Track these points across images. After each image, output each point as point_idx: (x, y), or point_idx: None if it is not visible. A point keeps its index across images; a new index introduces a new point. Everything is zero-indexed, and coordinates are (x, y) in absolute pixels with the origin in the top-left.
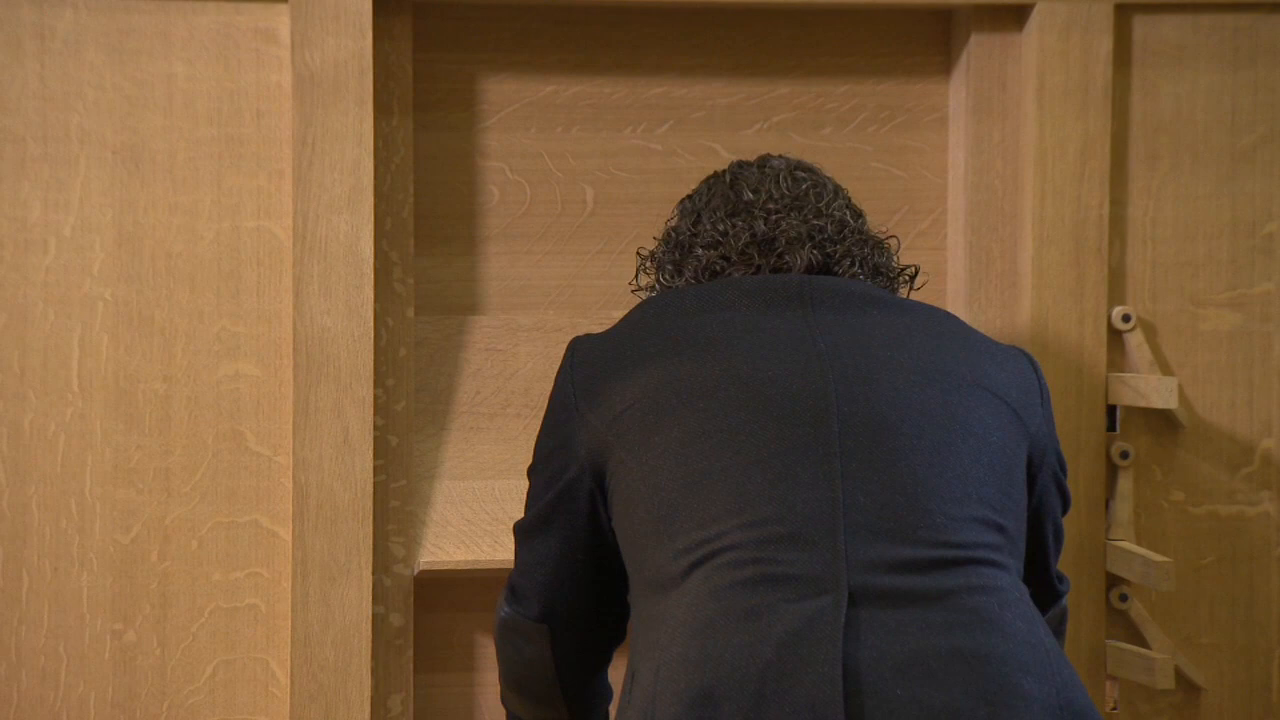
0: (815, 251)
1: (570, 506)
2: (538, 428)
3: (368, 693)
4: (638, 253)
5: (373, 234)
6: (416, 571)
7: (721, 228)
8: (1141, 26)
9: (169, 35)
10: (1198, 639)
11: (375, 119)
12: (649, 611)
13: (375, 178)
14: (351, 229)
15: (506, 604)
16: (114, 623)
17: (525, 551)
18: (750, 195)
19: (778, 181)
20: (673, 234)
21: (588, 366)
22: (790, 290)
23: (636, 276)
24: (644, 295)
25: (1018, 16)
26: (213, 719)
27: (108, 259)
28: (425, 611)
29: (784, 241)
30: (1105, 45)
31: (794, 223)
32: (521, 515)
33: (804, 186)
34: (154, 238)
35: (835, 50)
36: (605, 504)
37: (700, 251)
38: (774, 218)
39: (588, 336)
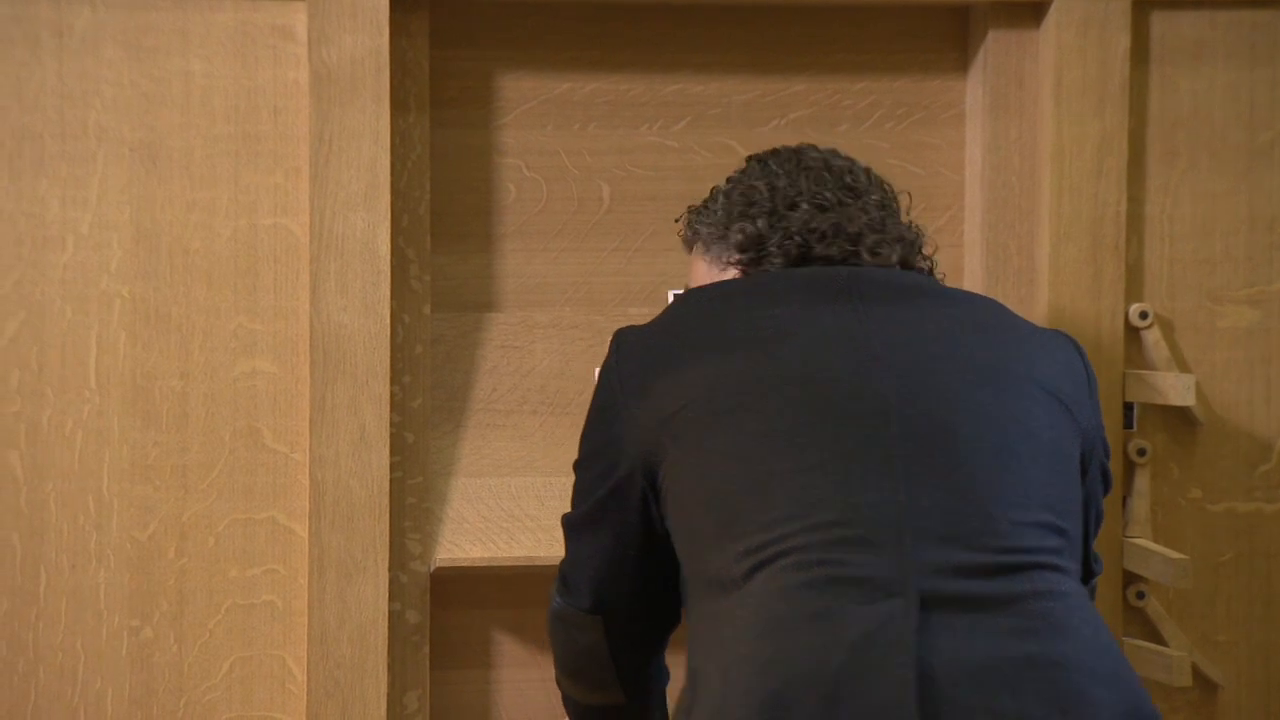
0: (870, 241)
1: (621, 503)
2: (554, 425)
3: (384, 689)
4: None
5: (389, 231)
6: (433, 568)
7: (806, 217)
8: (1159, 23)
9: (186, 32)
10: (1215, 636)
11: (392, 116)
12: (708, 609)
13: (392, 175)
14: (368, 226)
15: (558, 595)
16: (131, 619)
17: (575, 545)
18: (810, 184)
19: (829, 169)
20: (757, 221)
21: (634, 362)
22: (840, 283)
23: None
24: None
25: (1035, 13)
26: (229, 715)
27: (125, 256)
28: (441, 608)
29: (850, 232)
30: (1123, 42)
31: (855, 213)
32: (568, 508)
33: (849, 176)
34: (171, 235)
35: (852, 47)
36: (657, 502)
37: (792, 237)
38: (842, 208)
39: (633, 329)
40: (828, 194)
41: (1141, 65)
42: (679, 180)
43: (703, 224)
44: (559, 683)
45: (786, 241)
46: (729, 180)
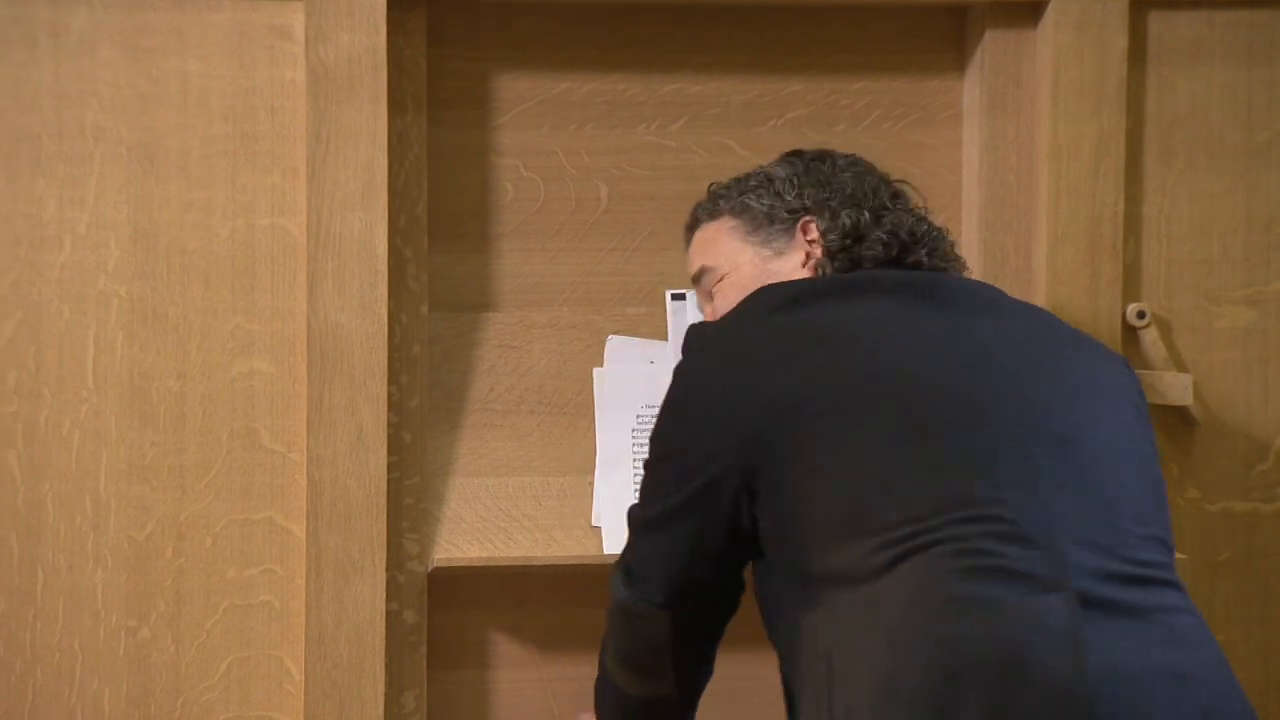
0: (933, 246)
1: (710, 503)
2: (552, 425)
3: (381, 689)
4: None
5: (386, 231)
6: (430, 568)
7: (900, 219)
8: (1157, 23)
9: (183, 32)
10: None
11: (389, 116)
12: (835, 599)
13: (389, 174)
14: (365, 226)
15: (624, 587)
16: (128, 619)
17: (649, 542)
18: (868, 186)
19: (872, 174)
20: (848, 214)
21: (731, 361)
22: (925, 288)
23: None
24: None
25: (1032, 13)
26: (227, 716)
27: (123, 256)
28: (439, 608)
29: (907, 237)
30: (1120, 42)
31: (907, 218)
32: (637, 504)
33: (891, 183)
34: (168, 235)
35: (850, 47)
36: (752, 501)
37: (895, 234)
38: (897, 214)
39: (712, 326)
40: (885, 199)
41: (1139, 65)
42: (677, 180)
43: (757, 199)
44: (609, 671)
45: (889, 239)
46: (778, 166)
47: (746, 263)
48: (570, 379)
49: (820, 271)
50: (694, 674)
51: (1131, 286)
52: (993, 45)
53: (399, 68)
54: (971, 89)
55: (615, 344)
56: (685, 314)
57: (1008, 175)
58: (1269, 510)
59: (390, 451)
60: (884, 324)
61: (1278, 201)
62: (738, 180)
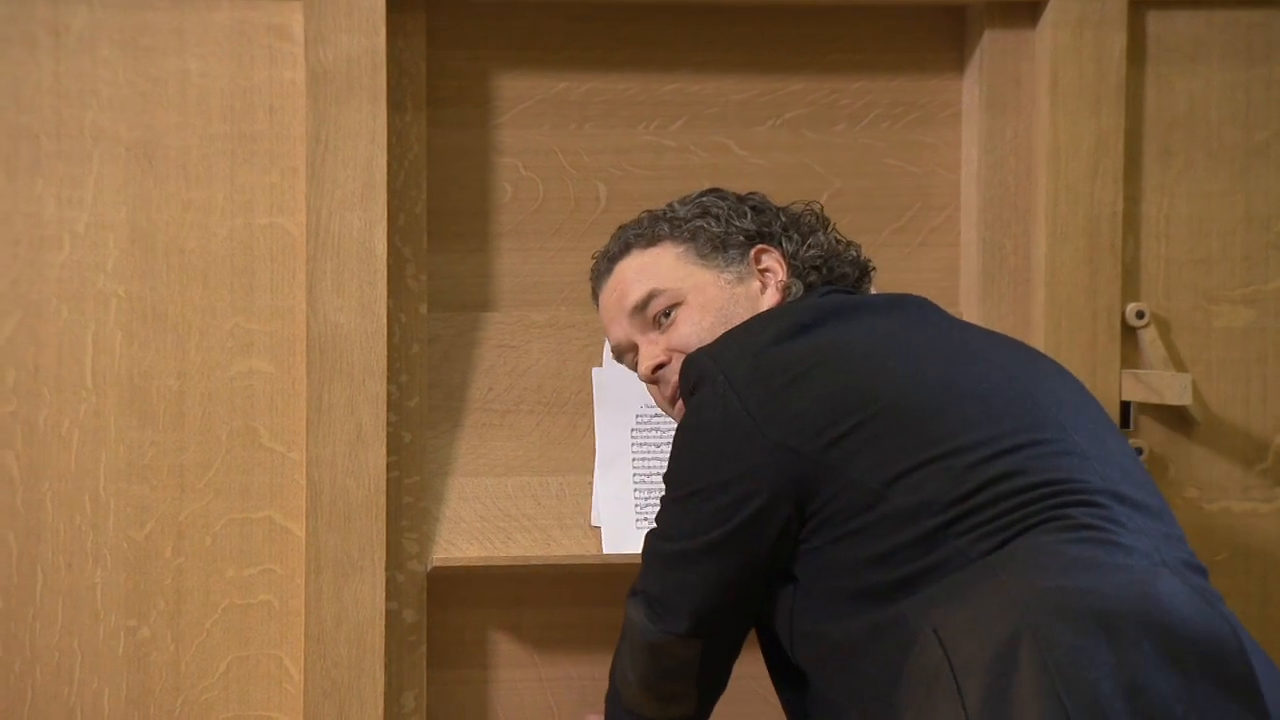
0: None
1: (754, 533)
2: (550, 424)
3: (381, 689)
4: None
5: (386, 230)
6: (430, 568)
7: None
8: (1155, 22)
9: (183, 32)
10: None
11: (388, 115)
12: (936, 590)
13: (388, 174)
14: (365, 225)
15: (649, 621)
16: (128, 619)
17: (677, 575)
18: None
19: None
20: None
21: (758, 387)
22: (908, 306)
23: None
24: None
25: (1031, 13)
26: (226, 715)
27: (121, 255)
28: (438, 608)
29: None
30: (1119, 41)
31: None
32: (659, 536)
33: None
34: (168, 234)
35: (849, 46)
36: (801, 525)
37: (856, 260)
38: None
39: (728, 351)
40: (814, 224)
41: (1137, 65)
42: (676, 180)
43: (707, 224)
44: (627, 698)
45: (850, 263)
46: (707, 198)
47: (710, 285)
48: (569, 378)
49: (790, 293)
50: (716, 691)
51: (1130, 286)
52: (992, 45)
53: (398, 68)
54: (970, 88)
55: None
56: None
57: (1006, 175)
58: (1268, 510)
59: (389, 451)
60: (894, 339)
61: (1276, 201)
62: (661, 214)
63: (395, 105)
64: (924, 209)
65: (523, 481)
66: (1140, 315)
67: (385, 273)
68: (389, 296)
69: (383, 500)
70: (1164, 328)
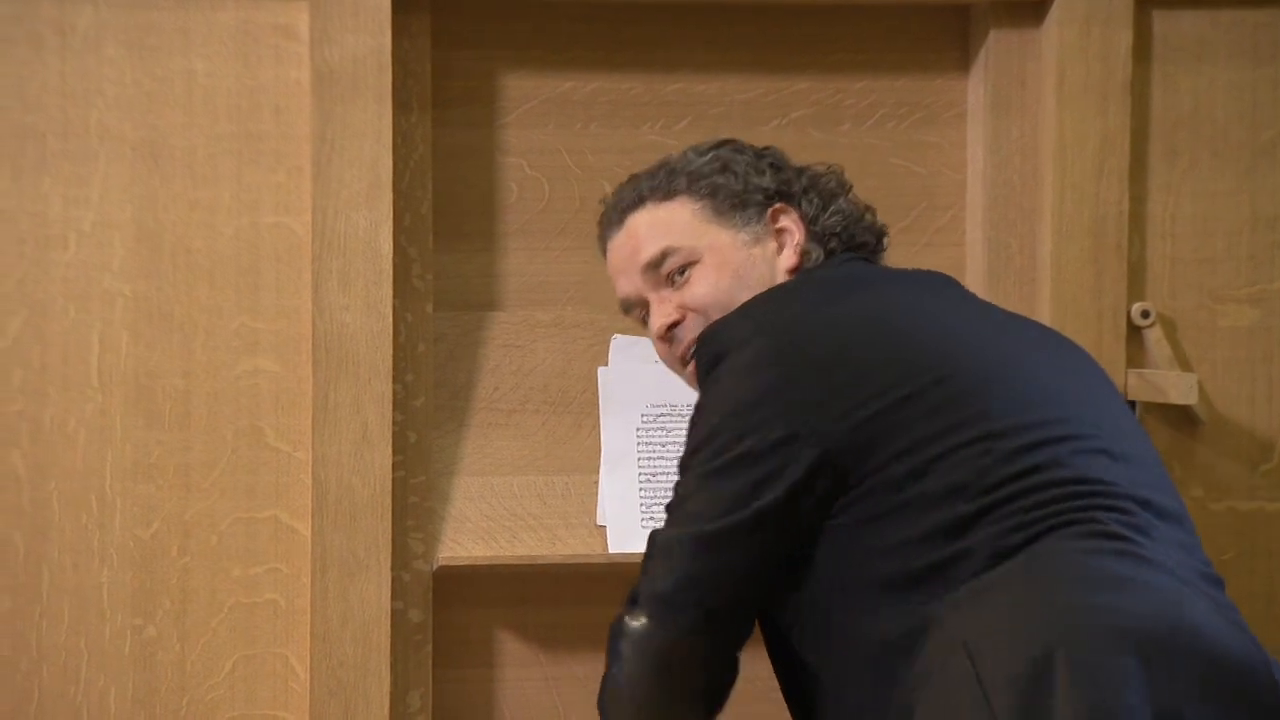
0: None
1: (789, 510)
2: (556, 424)
3: (387, 688)
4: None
5: (391, 230)
6: (435, 567)
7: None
8: (1161, 21)
9: (189, 31)
10: None
11: (394, 115)
12: (962, 589)
13: (394, 174)
14: (370, 225)
15: (657, 626)
16: (134, 618)
17: (701, 562)
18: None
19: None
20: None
21: (793, 356)
22: (929, 280)
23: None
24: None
25: (1037, 12)
26: (232, 714)
27: (127, 255)
28: (444, 607)
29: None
30: (1125, 40)
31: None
32: (674, 526)
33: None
34: (174, 234)
35: (853, 46)
36: (832, 501)
37: (868, 223)
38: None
39: (766, 318)
40: (834, 186)
41: (1143, 64)
42: None
43: (726, 180)
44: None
45: (871, 224)
46: (726, 151)
47: (727, 245)
48: (575, 378)
49: (808, 259)
50: (726, 693)
51: (1136, 285)
52: (997, 44)
53: (404, 68)
54: (976, 88)
55: (620, 343)
56: None
57: (1012, 174)
58: (1274, 509)
59: (395, 450)
60: (931, 316)
61: None
62: (678, 166)
63: (401, 105)
64: (929, 209)
65: (528, 481)
66: (1146, 315)
67: (391, 272)
68: (395, 296)
69: (388, 499)
70: (1169, 327)
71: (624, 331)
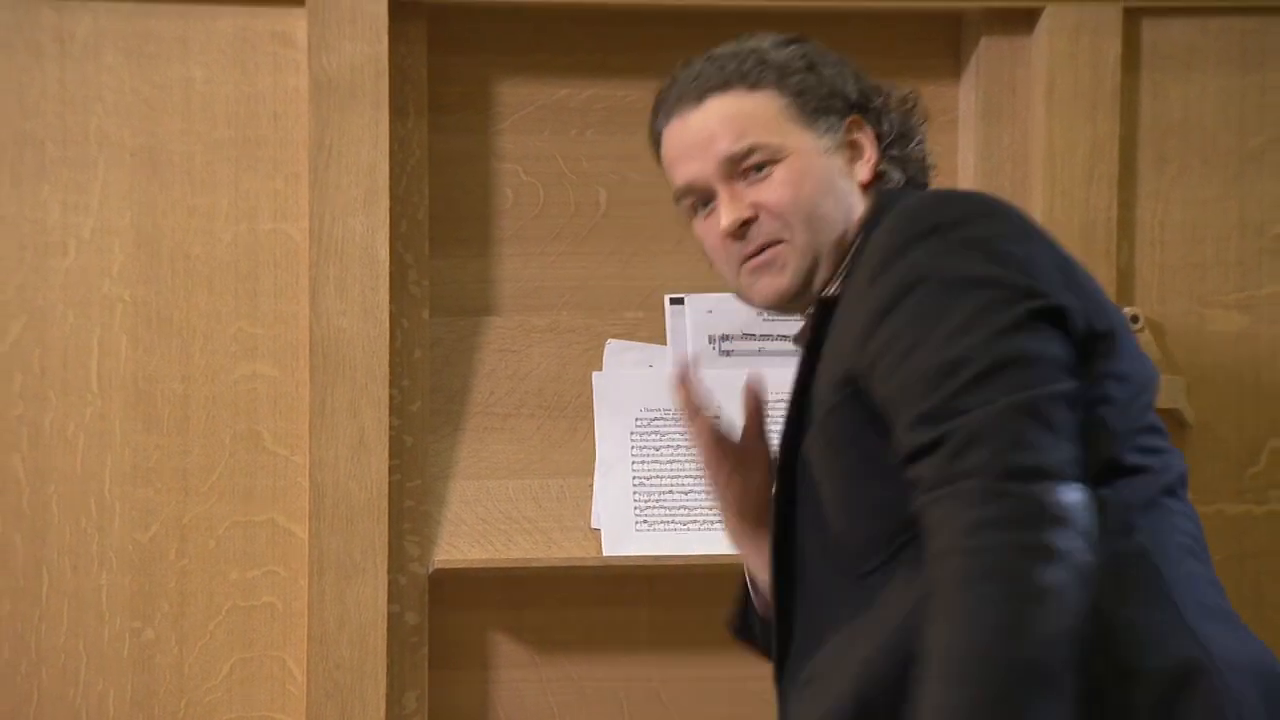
0: None
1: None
2: (551, 428)
3: (383, 690)
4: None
5: (388, 236)
6: (431, 570)
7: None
8: (1150, 30)
9: (187, 39)
10: None
11: (391, 122)
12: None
13: (391, 180)
14: (367, 231)
15: (1075, 535)
16: (133, 621)
17: (1073, 418)
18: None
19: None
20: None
21: (1050, 239)
22: None
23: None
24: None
25: (1027, 20)
26: (230, 716)
27: (126, 261)
28: (440, 609)
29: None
30: (1114, 49)
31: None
32: (1020, 380)
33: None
34: (172, 240)
35: (846, 53)
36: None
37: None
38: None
39: (994, 203)
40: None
41: (1133, 72)
42: None
43: (816, 81)
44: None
45: (929, 171)
46: (807, 48)
47: (811, 150)
48: (569, 382)
49: (885, 180)
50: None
51: (1125, 291)
52: (988, 52)
53: (400, 74)
54: (967, 95)
55: (614, 348)
56: (684, 318)
57: (1003, 181)
58: (1261, 512)
59: (392, 454)
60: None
61: (1269, 207)
62: (763, 55)
63: (397, 111)
64: None
65: (523, 484)
66: (1135, 320)
67: (387, 278)
68: (391, 301)
69: (385, 503)
70: (1158, 332)
71: (618, 337)
